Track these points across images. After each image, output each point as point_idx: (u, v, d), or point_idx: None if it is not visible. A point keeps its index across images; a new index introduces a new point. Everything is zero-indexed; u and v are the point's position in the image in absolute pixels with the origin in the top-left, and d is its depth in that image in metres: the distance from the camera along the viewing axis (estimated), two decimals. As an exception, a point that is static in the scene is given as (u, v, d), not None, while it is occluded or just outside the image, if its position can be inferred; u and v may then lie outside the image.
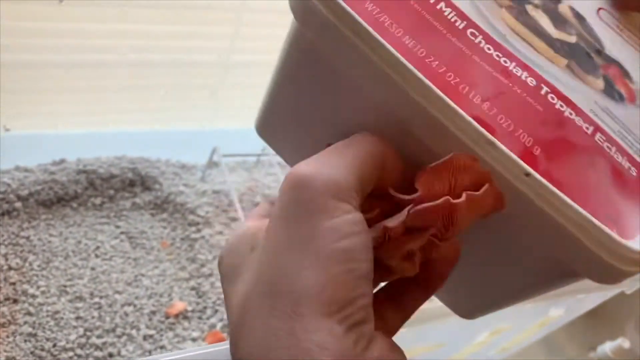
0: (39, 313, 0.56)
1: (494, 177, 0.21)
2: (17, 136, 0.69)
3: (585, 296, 0.45)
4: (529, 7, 0.27)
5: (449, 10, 0.24)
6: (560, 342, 0.84)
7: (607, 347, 0.74)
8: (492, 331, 0.47)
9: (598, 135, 0.24)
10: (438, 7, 0.24)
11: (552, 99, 0.24)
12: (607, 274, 0.22)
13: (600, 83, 0.26)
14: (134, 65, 0.70)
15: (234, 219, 0.70)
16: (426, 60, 0.23)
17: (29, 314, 0.56)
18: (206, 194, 0.72)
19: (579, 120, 0.24)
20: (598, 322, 0.88)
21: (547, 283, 0.26)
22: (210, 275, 0.64)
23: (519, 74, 0.24)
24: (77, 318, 0.57)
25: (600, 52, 0.28)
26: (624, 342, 0.73)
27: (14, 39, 0.60)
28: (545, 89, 0.24)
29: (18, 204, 0.63)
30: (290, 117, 0.32)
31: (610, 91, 0.26)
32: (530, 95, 0.23)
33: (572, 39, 0.27)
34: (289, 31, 0.27)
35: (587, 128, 0.24)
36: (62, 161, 0.68)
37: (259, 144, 0.79)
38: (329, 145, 0.24)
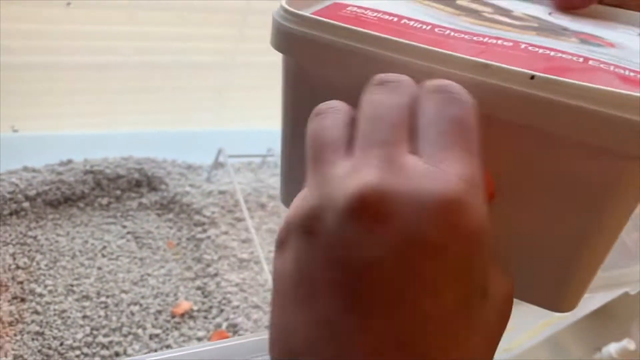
0: (47, 312, 0.57)
1: None
2: (24, 137, 0.70)
3: (590, 296, 0.45)
4: (484, 14, 0.28)
5: (411, 22, 0.26)
6: (564, 342, 0.84)
7: (612, 348, 0.74)
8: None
9: (591, 62, 0.24)
10: (401, 22, 0.26)
11: (533, 49, 0.25)
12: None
13: (575, 40, 0.27)
14: (139, 67, 0.71)
15: (240, 220, 0.71)
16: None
17: (37, 312, 0.57)
18: (212, 195, 0.72)
19: (566, 56, 0.24)
20: (603, 323, 0.87)
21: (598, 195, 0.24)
22: (216, 275, 0.65)
23: (493, 42, 0.25)
24: (84, 317, 0.58)
25: (565, 29, 0.29)
26: (629, 344, 0.73)
27: (22, 42, 0.61)
28: (523, 45, 0.25)
29: (26, 204, 0.64)
30: None
31: (588, 42, 0.27)
32: (511, 49, 0.24)
33: (534, 23, 0.28)
34: (285, 80, 0.28)
35: (578, 59, 0.24)
36: (69, 162, 0.68)
37: (264, 144, 0.79)
38: None
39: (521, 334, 0.51)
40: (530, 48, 0.25)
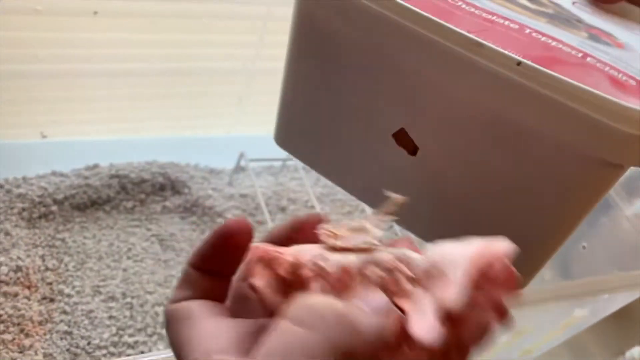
0: (74, 312, 0.59)
1: None
2: (53, 143, 0.72)
3: (609, 297, 0.45)
4: None
5: None
6: (586, 345, 0.83)
7: (636, 351, 0.74)
8: (515, 332, 0.48)
9: (589, 59, 0.24)
10: None
11: (537, 35, 0.25)
12: (613, 142, 0.22)
13: (584, 34, 0.27)
14: (163, 73, 0.73)
15: (261, 223, 0.72)
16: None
17: (65, 312, 0.58)
18: (233, 198, 0.73)
19: (566, 48, 0.25)
20: (627, 326, 0.87)
21: (572, 187, 0.25)
22: (238, 276, 0.66)
23: (500, 22, 0.25)
24: (110, 317, 0.59)
25: (580, 21, 0.29)
26: (653, 347, 0.72)
27: (51, 50, 0.63)
28: (528, 30, 0.25)
29: (54, 208, 0.66)
30: (311, 118, 0.33)
31: (595, 39, 0.27)
32: (514, 32, 0.25)
33: (550, 10, 0.29)
34: (295, 22, 0.30)
35: (577, 53, 0.25)
36: (96, 166, 0.70)
37: (284, 149, 0.80)
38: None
39: (541, 335, 0.51)
40: (533, 34, 0.25)
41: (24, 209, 0.65)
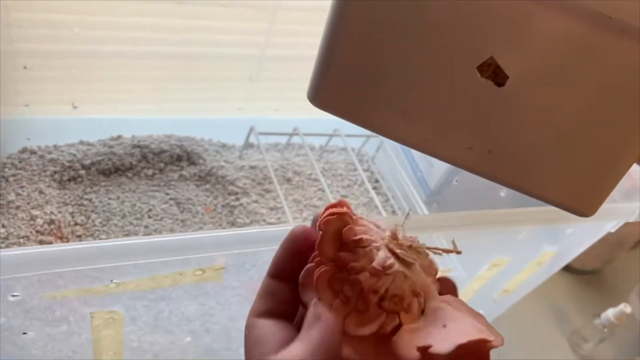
0: (102, 259, 0.65)
1: None
2: (81, 118, 0.79)
3: (573, 230, 0.52)
4: None
5: None
6: (566, 311, 0.90)
7: (610, 313, 0.80)
8: (492, 263, 0.55)
9: None
10: None
11: None
12: None
13: None
14: (183, 57, 0.80)
15: (268, 191, 0.79)
16: None
17: (94, 259, 0.65)
18: (244, 169, 0.80)
19: None
20: (602, 292, 0.94)
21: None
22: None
23: None
24: (134, 265, 0.66)
25: None
26: (625, 307, 0.79)
27: (88, 32, 0.71)
28: None
29: (82, 172, 0.73)
30: (368, 65, 0.29)
31: None
32: None
33: None
34: None
35: None
36: (119, 137, 0.78)
37: (289, 129, 0.88)
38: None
39: (517, 272, 0.58)
40: None
41: (55, 172, 0.72)
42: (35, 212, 0.66)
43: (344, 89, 0.30)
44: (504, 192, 0.61)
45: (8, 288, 0.37)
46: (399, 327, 0.24)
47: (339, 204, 0.26)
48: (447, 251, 0.26)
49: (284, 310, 0.25)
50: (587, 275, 0.95)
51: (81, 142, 0.76)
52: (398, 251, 0.25)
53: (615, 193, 0.53)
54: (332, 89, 0.30)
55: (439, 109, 0.29)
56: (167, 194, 0.75)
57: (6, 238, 0.63)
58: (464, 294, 0.60)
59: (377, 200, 0.79)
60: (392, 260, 0.24)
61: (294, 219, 0.76)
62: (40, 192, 0.69)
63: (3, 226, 0.63)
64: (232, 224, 0.74)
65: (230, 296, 0.68)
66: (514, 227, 0.47)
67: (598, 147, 0.28)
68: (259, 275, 0.70)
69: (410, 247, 0.25)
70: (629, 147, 0.28)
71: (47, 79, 0.73)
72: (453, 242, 0.28)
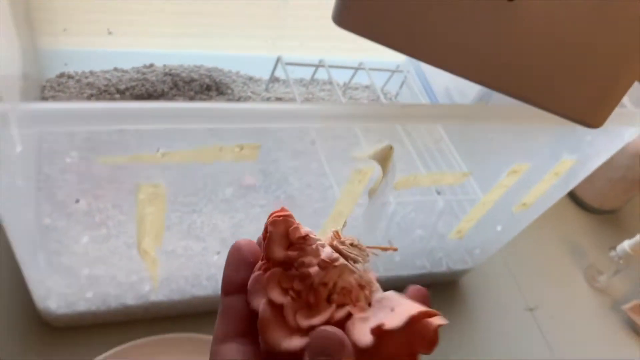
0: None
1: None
2: (115, 48, 0.82)
3: (591, 138, 0.54)
4: None
5: None
6: (583, 248, 0.92)
7: (626, 244, 0.82)
8: (511, 169, 0.57)
9: None
10: None
11: None
12: None
13: None
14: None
15: (294, 120, 0.81)
16: None
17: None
18: (270, 100, 0.83)
19: None
20: (619, 231, 0.95)
21: None
22: (276, 160, 0.76)
23: None
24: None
25: None
26: (641, 238, 0.80)
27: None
28: None
29: (117, 96, 0.76)
30: None
31: None
32: None
33: None
34: None
35: None
36: (152, 65, 0.80)
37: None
38: None
39: (535, 182, 0.60)
40: None
41: (92, 95, 0.75)
42: (74, 129, 0.69)
43: (366, 8, 0.31)
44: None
45: (63, 151, 0.40)
46: (348, 317, 0.25)
47: (282, 209, 0.27)
48: (385, 249, 0.28)
49: (244, 327, 0.25)
50: (605, 214, 0.97)
51: (115, 69, 0.79)
52: (341, 247, 0.26)
53: (629, 101, 0.54)
54: (355, 8, 0.31)
55: (454, 25, 0.31)
56: (197, 119, 0.78)
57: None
58: (482, 204, 0.62)
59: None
60: (337, 255, 0.26)
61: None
62: (78, 112, 0.72)
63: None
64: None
65: (258, 212, 0.71)
66: (532, 124, 0.49)
67: (603, 58, 0.30)
68: (285, 194, 0.73)
69: (352, 244, 0.27)
70: (633, 60, 0.30)
71: (83, 8, 0.76)
72: (389, 242, 0.30)
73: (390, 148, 0.48)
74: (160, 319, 0.64)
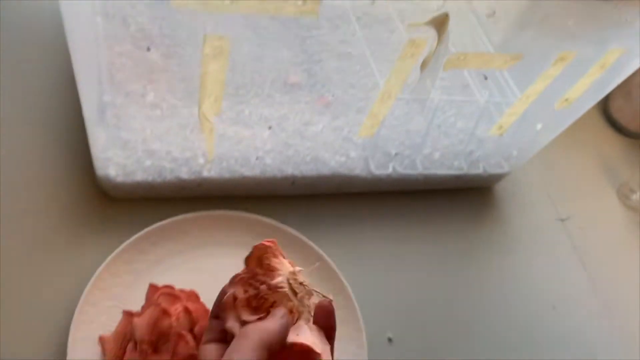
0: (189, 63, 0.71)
1: None
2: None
3: (641, 25, 0.54)
4: None
5: None
6: (617, 168, 0.93)
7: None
8: (559, 56, 0.58)
9: None
10: None
11: None
12: None
13: None
14: None
15: (338, 27, 0.83)
16: None
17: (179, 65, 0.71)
18: (315, 7, 0.84)
19: None
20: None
21: None
22: (319, 61, 0.78)
23: None
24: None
25: None
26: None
27: None
28: None
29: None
30: None
31: None
32: None
33: None
34: None
35: None
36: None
37: None
38: None
39: (580, 76, 0.61)
40: None
41: None
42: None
43: None
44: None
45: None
46: None
47: (272, 241, 0.38)
48: (324, 295, 0.38)
49: (222, 337, 0.37)
50: (642, 139, 0.97)
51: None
52: (292, 282, 0.36)
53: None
54: None
55: None
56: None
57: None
58: (526, 97, 0.64)
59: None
60: (285, 285, 0.36)
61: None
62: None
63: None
64: (304, 52, 0.79)
65: (303, 107, 0.73)
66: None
67: None
68: (330, 92, 0.76)
69: (301, 284, 0.37)
70: None
71: None
72: (331, 295, 0.39)
73: (447, 15, 0.50)
74: (211, 197, 0.67)
